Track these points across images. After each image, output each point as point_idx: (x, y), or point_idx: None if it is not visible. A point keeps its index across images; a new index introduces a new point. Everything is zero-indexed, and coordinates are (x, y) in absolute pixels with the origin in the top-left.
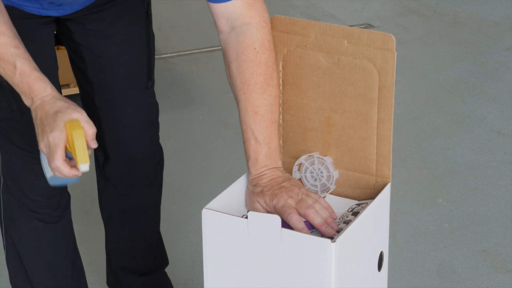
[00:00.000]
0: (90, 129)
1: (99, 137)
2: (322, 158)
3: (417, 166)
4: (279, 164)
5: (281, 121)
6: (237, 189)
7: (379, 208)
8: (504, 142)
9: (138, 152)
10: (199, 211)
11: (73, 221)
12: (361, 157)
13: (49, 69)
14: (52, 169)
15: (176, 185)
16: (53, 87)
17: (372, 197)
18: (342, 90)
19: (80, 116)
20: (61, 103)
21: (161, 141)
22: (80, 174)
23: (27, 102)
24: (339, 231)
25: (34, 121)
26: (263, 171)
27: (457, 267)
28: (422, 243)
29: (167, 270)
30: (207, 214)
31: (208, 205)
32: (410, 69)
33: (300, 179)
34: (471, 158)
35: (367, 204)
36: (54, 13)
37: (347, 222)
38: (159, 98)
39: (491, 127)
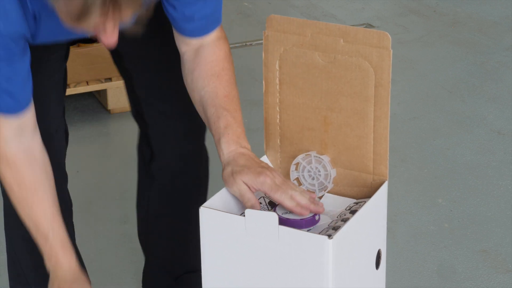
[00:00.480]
0: None
1: (144, 133)
2: (319, 157)
3: (417, 166)
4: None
5: (278, 120)
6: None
7: (377, 206)
8: (504, 142)
9: (186, 148)
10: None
11: (73, 221)
12: (358, 155)
13: (57, 91)
14: None
15: None
16: (76, 261)
17: (370, 195)
18: (339, 88)
19: None
20: (81, 276)
21: None
22: None
23: (49, 263)
24: (335, 228)
25: (50, 282)
26: (241, 151)
27: (457, 267)
28: (422, 243)
29: None
30: (204, 212)
31: (206, 203)
32: (410, 69)
33: (297, 179)
34: (471, 158)
35: (364, 202)
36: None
37: (345, 220)
38: None
39: (491, 127)
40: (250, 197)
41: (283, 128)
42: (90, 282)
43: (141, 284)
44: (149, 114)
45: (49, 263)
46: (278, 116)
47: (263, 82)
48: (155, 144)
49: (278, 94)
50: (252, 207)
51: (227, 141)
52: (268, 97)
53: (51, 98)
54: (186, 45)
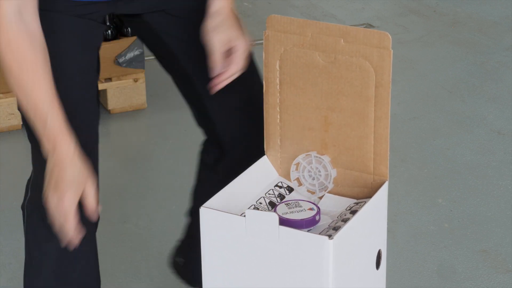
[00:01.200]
0: (91, 203)
1: (212, 129)
2: (319, 157)
3: (417, 166)
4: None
5: (278, 120)
6: (235, 188)
7: (377, 206)
8: (504, 142)
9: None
10: (199, 210)
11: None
12: (359, 155)
13: (89, 75)
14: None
15: (176, 185)
16: (75, 146)
17: (370, 195)
18: (339, 88)
19: (89, 186)
20: (78, 170)
21: (161, 141)
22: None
23: (48, 147)
24: (335, 228)
25: (48, 168)
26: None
27: (457, 267)
28: (422, 243)
29: (166, 270)
30: (205, 212)
31: (206, 203)
32: (410, 69)
33: (297, 179)
34: (471, 158)
35: (365, 202)
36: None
37: (345, 221)
38: (159, 98)
39: (491, 127)
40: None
41: (283, 128)
42: (90, 171)
43: (141, 284)
44: (214, 110)
45: (47, 146)
46: (278, 116)
47: (263, 82)
48: (225, 141)
49: (278, 94)
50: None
51: None
52: (268, 97)
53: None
54: None
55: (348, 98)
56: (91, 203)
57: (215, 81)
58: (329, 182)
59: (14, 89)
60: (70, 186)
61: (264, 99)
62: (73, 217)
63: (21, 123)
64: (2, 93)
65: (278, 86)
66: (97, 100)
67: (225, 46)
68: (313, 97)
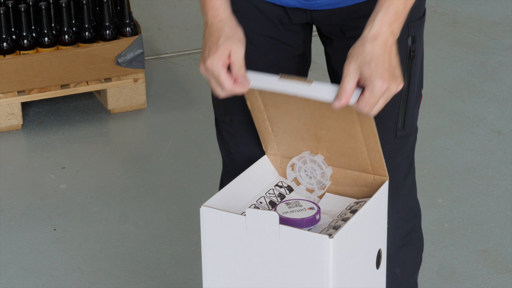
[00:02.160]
0: (236, 65)
1: None
2: (313, 157)
3: (417, 166)
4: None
5: (270, 131)
6: (235, 188)
7: (377, 206)
8: (504, 142)
9: None
10: (199, 210)
11: (72, 221)
12: (355, 160)
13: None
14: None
15: (176, 185)
16: (227, 8)
17: (370, 195)
18: (322, 112)
19: (238, 51)
20: (228, 30)
21: (161, 141)
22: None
23: (204, 18)
24: (336, 227)
25: (203, 38)
26: (371, 31)
27: (457, 267)
28: None
29: (166, 270)
30: (205, 212)
31: (206, 203)
32: None
33: (295, 179)
34: (471, 158)
35: (365, 202)
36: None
37: (346, 220)
38: (158, 98)
39: (491, 127)
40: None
41: (277, 137)
42: (241, 36)
43: (141, 284)
44: None
45: (202, 11)
46: (270, 129)
47: (247, 102)
48: None
49: (265, 112)
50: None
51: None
52: (255, 114)
53: None
54: None
55: (334, 119)
56: (234, 67)
57: (334, 104)
58: (326, 180)
59: None
60: (217, 46)
61: (251, 114)
62: (225, 72)
63: (21, 123)
64: (2, 93)
65: (262, 106)
66: None
67: (357, 80)
68: (299, 117)
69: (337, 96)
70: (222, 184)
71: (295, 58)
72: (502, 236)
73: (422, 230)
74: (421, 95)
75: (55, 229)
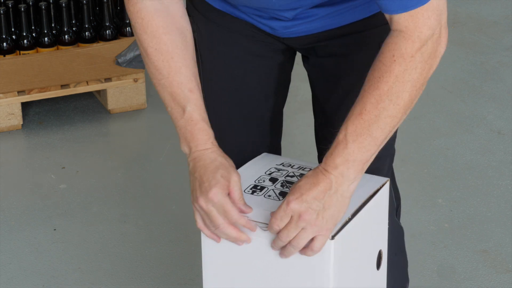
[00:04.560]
0: (238, 194)
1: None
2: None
3: (417, 166)
4: (336, 172)
5: None
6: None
7: (378, 207)
8: (504, 142)
9: None
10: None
11: (72, 221)
12: None
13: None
14: (218, 231)
15: (176, 185)
16: (215, 141)
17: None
18: None
19: (236, 178)
20: (223, 160)
21: (161, 141)
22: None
23: (184, 149)
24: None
25: (190, 173)
26: (325, 169)
27: (457, 267)
28: (422, 243)
29: (166, 270)
30: None
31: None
32: None
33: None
34: (471, 158)
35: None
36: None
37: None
38: (159, 98)
39: (491, 127)
40: None
41: None
42: (233, 165)
43: (141, 284)
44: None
45: (184, 144)
46: None
47: None
48: None
49: None
50: None
51: (325, 158)
52: None
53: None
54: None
55: None
56: (237, 197)
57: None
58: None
59: (151, 76)
60: (214, 183)
61: None
62: (232, 207)
63: (21, 123)
64: (2, 93)
65: None
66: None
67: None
68: None
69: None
70: None
71: (275, 67)
72: (502, 236)
73: (423, 230)
74: None
75: (55, 229)
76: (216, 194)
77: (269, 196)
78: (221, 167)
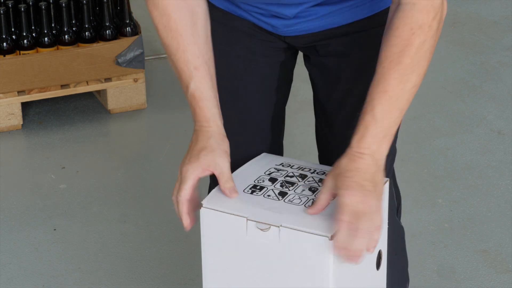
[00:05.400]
0: (224, 182)
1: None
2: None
3: (417, 166)
4: (370, 151)
5: None
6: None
7: None
8: (504, 142)
9: None
10: (199, 211)
11: (72, 221)
12: None
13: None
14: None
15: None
16: (217, 120)
17: None
18: None
19: (222, 163)
20: (213, 142)
21: (161, 141)
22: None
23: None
24: None
25: (190, 142)
26: (360, 152)
27: (457, 267)
28: (422, 243)
29: (166, 270)
30: (205, 213)
31: (206, 203)
32: None
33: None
34: (471, 158)
35: None
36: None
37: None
38: (159, 98)
39: (491, 127)
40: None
41: None
42: (226, 149)
43: (141, 284)
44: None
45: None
46: None
47: None
48: None
49: None
50: None
51: (357, 140)
52: None
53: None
54: None
55: None
56: (225, 181)
57: (308, 211)
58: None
59: (165, 49)
60: (197, 157)
61: None
62: (190, 189)
63: (21, 123)
64: (2, 93)
65: None
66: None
67: (331, 192)
68: None
69: (313, 204)
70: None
71: (276, 65)
72: (502, 236)
73: (423, 230)
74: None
75: (55, 229)
76: (187, 171)
77: (269, 196)
78: (208, 149)
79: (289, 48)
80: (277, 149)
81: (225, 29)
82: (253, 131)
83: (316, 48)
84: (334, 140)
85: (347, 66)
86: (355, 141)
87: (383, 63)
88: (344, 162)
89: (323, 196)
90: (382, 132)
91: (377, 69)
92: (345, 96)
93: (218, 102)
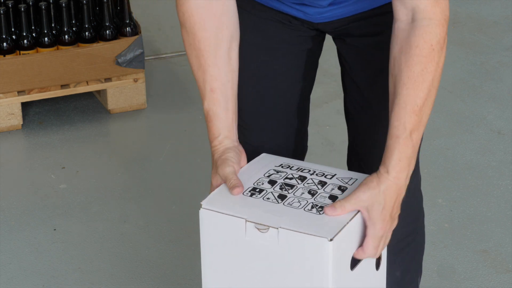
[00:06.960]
0: (227, 183)
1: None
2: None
3: None
4: (405, 174)
5: None
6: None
7: None
8: (504, 142)
9: None
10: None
11: (72, 221)
12: None
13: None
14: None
15: (176, 185)
16: (225, 133)
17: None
18: None
19: (229, 171)
20: (219, 156)
21: (161, 141)
22: None
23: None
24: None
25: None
26: (397, 177)
27: (457, 267)
28: None
29: (166, 270)
30: (205, 214)
31: (206, 204)
32: None
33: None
34: (471, 158)
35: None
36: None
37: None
38: (159, 98)
39: (491, 127)
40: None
41: None
42: (229, 162)
43: (141, 284)
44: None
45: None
46: None
47: None
48: None
49: None
50: None
51: (386, 161)
52: None
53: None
54: (400, 8)
55: None
56: (228, 184)
57: (326, 211)
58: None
59: (188, 60)
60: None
61: None
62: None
63: (21, 123)
64: (2, 93)
65: None
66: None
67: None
68: None
69: (333, 205)
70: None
71: (303, 53)
72: (502, 236)
73: None
74: None
75: (55, 229)
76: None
77: (268, 198)
78: (217, 164)
79: (318, 35)
80: (301, 136)
81: (253, 18)
82: (279, 117)
83: (349, 30)
84: (365, 115)
85: (379, 45)
86: (392, 165)
87: (406, 85)
88: (382, 187)
89: (349, 207)
90: (414, 153)
91: (400, 90)
92: (378, 73)
93: (233, 120)
